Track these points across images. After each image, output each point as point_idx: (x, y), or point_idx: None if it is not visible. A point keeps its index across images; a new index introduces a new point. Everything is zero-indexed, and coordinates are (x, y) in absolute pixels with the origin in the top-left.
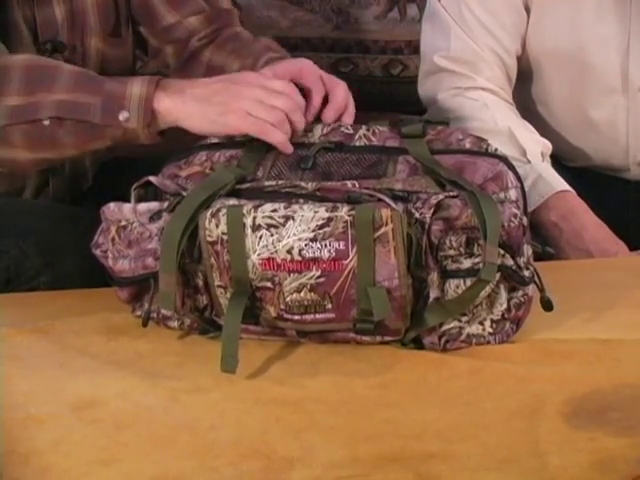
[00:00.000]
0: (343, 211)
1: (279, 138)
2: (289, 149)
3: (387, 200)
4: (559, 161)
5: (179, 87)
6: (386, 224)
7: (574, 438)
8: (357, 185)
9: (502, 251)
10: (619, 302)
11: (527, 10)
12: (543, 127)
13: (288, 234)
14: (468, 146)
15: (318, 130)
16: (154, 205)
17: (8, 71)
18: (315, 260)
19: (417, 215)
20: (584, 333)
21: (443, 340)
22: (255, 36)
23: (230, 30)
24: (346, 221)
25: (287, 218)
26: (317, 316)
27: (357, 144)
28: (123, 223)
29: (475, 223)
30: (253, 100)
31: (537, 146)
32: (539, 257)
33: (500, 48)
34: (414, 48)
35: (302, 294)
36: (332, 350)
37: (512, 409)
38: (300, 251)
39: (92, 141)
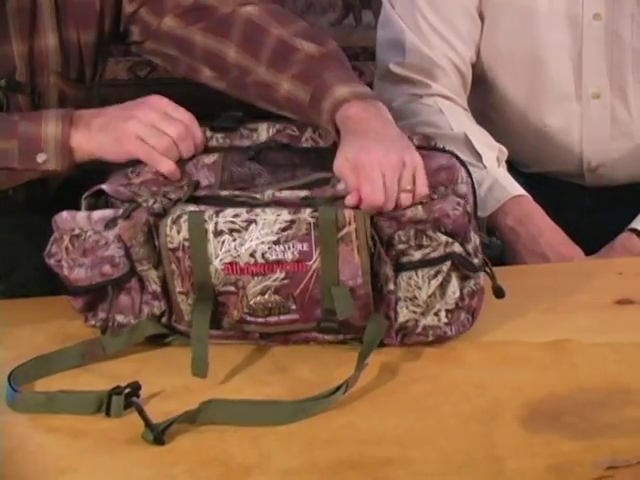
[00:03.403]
0: (306, 213)
1: (167, 167)
2: (176, 176)
3: None
4: (515, 167)
5: (86, 120)
6: (349, 224)
7: (530, 442)
8: (310, 194)
9: (450, 239)
10: (575, 306)
11: (481, 17)
12: (499, 133)
13: (251, 238)
14: (417, 143)
15: (264, 132)
16: (108, 212)
17: None
18: (279, 262)
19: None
20: (540, 337)
21: (400, 335)
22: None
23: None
24: (309, 223)
25: (249, 222)
26: (281, 318)
27: (304, 145)
28: (77, 232)
29: (420, 217)
30: (145, 124)
31: (493, 151)
32: (491, 256)
33: (455, 55)
34: (370, 54)
35: (266, 296)
36: (290, 355)
37: (469, 414)
38: (263, 254)
39: (12, 182)
